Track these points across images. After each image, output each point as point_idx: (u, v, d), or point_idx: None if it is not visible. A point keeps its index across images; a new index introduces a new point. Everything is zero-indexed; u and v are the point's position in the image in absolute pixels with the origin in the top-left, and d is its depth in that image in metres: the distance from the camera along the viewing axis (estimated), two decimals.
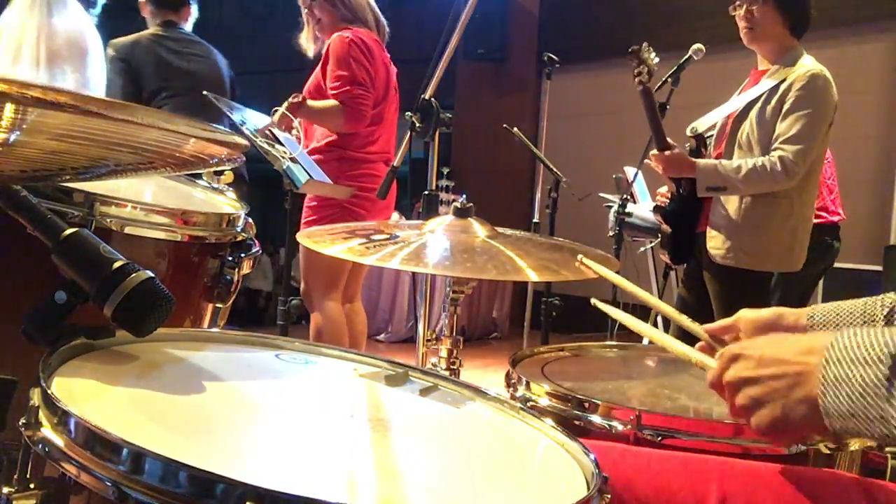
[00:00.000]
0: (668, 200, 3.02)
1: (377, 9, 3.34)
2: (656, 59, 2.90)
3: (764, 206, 2.78)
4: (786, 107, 2.73)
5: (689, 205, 2.95)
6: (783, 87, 2.76)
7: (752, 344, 0.86)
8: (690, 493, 1.03)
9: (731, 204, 2.84)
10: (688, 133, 3.00)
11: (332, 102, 3.08)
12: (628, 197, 3.66)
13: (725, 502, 1.01)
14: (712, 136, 3.03)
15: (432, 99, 2.07)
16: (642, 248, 4.56)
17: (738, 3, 2.84)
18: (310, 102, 3.06)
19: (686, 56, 3.24)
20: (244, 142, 0.87)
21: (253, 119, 2.65)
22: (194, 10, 3.76)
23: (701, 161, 2.86)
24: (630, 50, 2.88)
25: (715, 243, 2.86)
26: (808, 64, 2.78)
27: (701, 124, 2.98)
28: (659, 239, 3.22)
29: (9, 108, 0.59)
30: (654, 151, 2.90)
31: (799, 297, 2.86)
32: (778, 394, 0.80)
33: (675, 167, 2.88)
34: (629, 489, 1.05)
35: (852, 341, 0.75)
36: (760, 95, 2.81)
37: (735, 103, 2.90)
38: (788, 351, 0.80)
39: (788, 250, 2.82)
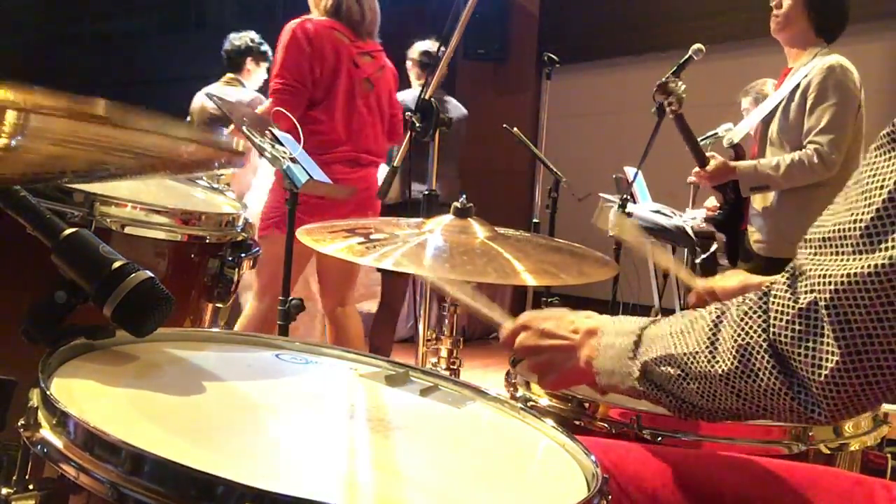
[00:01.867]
0: (718, 211, 3.20)
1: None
2: (683, 87, 3.00)
3: (802, 195, 2.89)
4: (809, 101, 2.83)
5: (735, 208, 3.13)
6: (803, 83, 2.86)
7: (537, 317, 1.07)
8: (698, 487, 1.04)
9: (769, 197, 2.96)
10: (725, 146, 3.17)
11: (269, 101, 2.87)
12: (628, 197, 3.65)
13: (734, 497, 1.01)
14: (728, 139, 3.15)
15: (432, 99, 2.06)
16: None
17: None
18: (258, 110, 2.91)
19: (686, 56, 3.24)
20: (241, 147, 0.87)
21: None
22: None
23: (740, 164, 2.99)
24: (658, 85, 3.01)
25: (756, 237, 2.99)
26: (825, 58, 2.87)
27: (736, 134, 3.12)
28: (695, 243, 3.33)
29: (10, 115, 0.59)
30: (696, 169, 3.06)
31: None
32: (556, 362, 1.03)
33: (719, 177, 3.03)
34: (636, 483, 1.05)
35: (621, 320, 0.98)
36: (785, 95, 2.92)
37: (763, 109, 3.06)
38: (563, 329, 1.03)
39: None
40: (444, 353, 1.57)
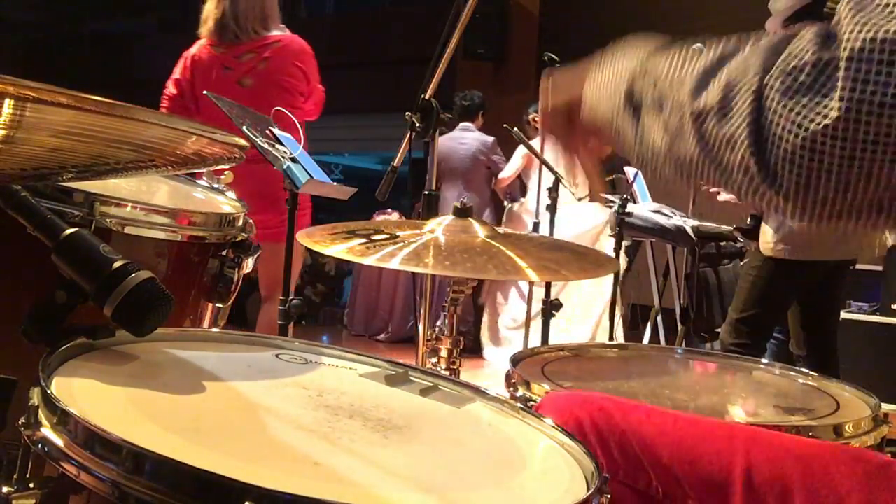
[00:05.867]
0: (748, 221, 3.24)
1: (220, 9, 3.29)
2: None
3: None
4: None
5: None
6: None
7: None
8: (714, 460, 1.01)
9: None
10: None
11: None
12: (628, 197, 3.67)
13: (750, 472, 0.99)
14: None
15: (432, 99, 2.06)
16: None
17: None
18: None
19: None
20: (244, 141, 0.87)
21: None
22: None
23: None
24: None
25: (765, 238, 3.01)
26: None
27: None
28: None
29: (7, 105, 0.59)
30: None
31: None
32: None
33: None
34: (649, 451, 1.02)
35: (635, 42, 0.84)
36: None
37: None
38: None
39: (842, 241, 2.90)
40: (444, 353, 1.56)
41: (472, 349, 5.76)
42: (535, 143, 5.52)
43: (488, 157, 5.86)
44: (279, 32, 3.35)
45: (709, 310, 4.62)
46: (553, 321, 4.61)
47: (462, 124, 5.83)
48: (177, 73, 3.38)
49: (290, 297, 2.50)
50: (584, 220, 5.53)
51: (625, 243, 5.35)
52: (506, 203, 6.07)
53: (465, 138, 5.79)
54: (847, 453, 1.04)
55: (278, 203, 2.72)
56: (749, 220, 3.25)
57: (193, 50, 3.37)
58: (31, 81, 0.58)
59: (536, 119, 5.52)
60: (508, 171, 5.82)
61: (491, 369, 5.30)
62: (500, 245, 1.40)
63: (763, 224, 3.04)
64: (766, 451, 1.01)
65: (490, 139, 5.87)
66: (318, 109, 3.53)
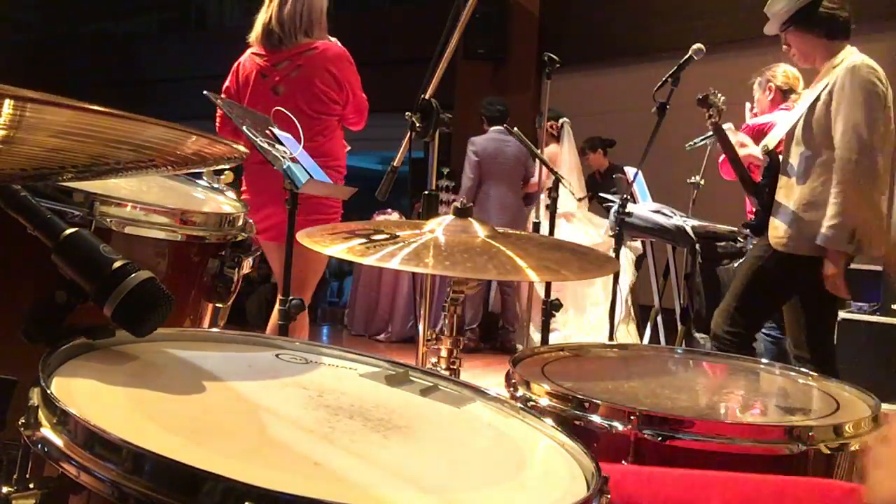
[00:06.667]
0: (752, 216, 3.20)
1: (268, 14, 3.30)
2: (723, 98, 3.02)
3: (823, 193, 2.82)
4: (834, 103, 2.79)
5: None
6: (830, 84, 2.83)
7: None
8: None
9: (793, 194, 2.90)
10: (761, 152, 3.19)
11: None
12: (628, 197, 3.66)
13: None
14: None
15: (432, 99, 2.06)
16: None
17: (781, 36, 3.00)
18: None
19: (686, 56, 3.25)
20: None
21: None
22: None
23: (829, 248, 2.79)
24: (699, 98, 3.15)
25: (776, 232, 2.92)
26: (849, 58, 2.83)
27: (771, 140, 3.08)
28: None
29: (7, 105, 0.59)
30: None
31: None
32: None
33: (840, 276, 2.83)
34: None
35: None
36: (814, 98, 2.89)
37: (795, 113, 3.02)
38: None
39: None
40: (444, 353, 1.57)
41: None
42: (551, 148, 5.68)
43: (526, 159, 6.02)
44: (322, 41, 3.33)
45: (711, 310, 4.61)
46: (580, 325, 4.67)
47: (497, 128, 6.01)
48: (227, 81, 3.40)
49: (290, 298, 2.50)
50: (593, 230, 5.74)
51: (632, 256, 5.51)
52: None
53: (508, 141, 5.91)
54: (818, 486, 1.08)
55: (305, 204, 2.72)
56: (754, 217, 3.22)
57: (242, 58, 3.39)
58: (29, 91, 0.58)
59: (553, 126, 5.89)
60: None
61: (491, 369, 5.29)
62: (500, 245, 1.40)
63: (772, 218, 2.98)
64: (740, 494, 1.05)
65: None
66: (362, 118, 3.47)
